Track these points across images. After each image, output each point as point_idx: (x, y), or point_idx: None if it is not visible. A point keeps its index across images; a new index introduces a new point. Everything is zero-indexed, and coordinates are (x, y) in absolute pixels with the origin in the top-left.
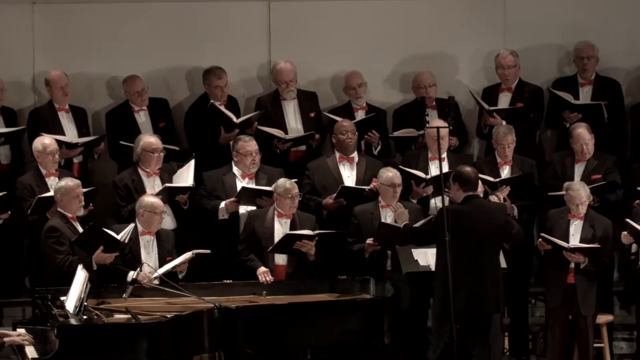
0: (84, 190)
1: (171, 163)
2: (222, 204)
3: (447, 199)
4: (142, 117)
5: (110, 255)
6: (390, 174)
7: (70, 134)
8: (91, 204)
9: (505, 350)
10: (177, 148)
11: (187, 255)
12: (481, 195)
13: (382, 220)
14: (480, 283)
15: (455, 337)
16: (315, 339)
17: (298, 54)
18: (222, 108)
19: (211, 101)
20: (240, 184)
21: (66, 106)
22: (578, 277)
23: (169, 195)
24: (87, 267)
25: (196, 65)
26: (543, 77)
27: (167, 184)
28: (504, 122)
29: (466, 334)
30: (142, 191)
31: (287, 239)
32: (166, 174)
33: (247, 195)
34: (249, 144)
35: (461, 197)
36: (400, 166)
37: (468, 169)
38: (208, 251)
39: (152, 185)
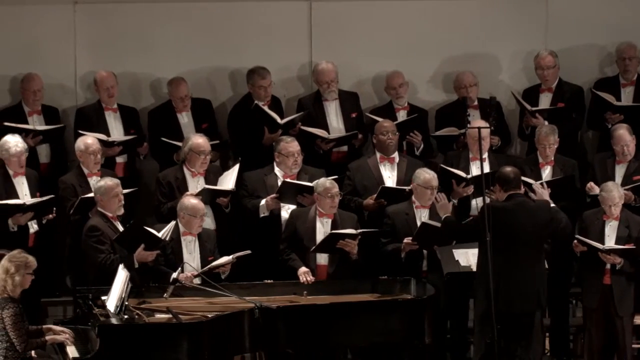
0: (126, 191)
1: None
2: (263, 202)
3: (487, 200)
4: (185, 118)
5: (151, 253)
6: (427, 175)
7: (117, 134)
8: (51, 215)
9: (546, 350)
10: (217, 141)
11: (228, 258)
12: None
13: (417, 220)
14: (523, 282)
15: (497, 337)
16: (356, 339)
17: (339, 54)
18: (266, 109)
19: (255, 102)
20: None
21: (114, 106)
22: (614, 278)
23: (210, 196)
24: (129, 266)
25: (238, 65)
26: (584, 77)
27: (206, 186)
28: (546, 123)
29: (510, 334)
30: (184, 190)
31: (331, 238)
32: (211, 175)
33: (288, 191)
34: (291, 145)
35: (503, 197)
36: (442, 165)
37: (508, 169)
38: (248, 252)
39: (196, 185)
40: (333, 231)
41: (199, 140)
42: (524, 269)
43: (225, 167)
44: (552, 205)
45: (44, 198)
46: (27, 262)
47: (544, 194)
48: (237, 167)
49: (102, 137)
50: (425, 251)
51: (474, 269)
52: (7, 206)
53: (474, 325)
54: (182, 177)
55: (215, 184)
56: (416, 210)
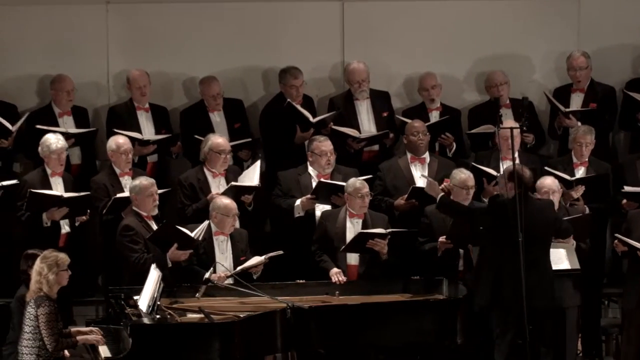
0: (160, 191)
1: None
2: (298, 202)
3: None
4: (217, 117)
5: (184, 252)
6: (463, 175)
7: (148, 133)
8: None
9: (578, 351)
10: (249, 139)
11: (260, 259)
12: (558, 196)
13: None
14: (528, 278)
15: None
16: (388, 339)
17: (371, 55)
18: (299, 107)
19: (288, 100)
20: (315, 184)
21: (146, 105)
22: None
23: (235, 194)
24: (162, 265)
25: (270, 65)
26: (616, 77)
27: (233, 183)
28: (579, 124)
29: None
30: (207, 191)
31: (360, 237)
32: (232, 175)
33: (323, 191)
34: (324, 144)
35: (511, 195)
36: (473, 163)
37: (526, 170)
38: (280, 252)
39: (218, 185)
40: (362, 231)
41: (219, 140)
42: (531, 266)
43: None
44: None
45: (81, 194)
46: (57, 260)
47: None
48: (258, 163)
49: (138, 135)
50: (461, 250)
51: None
52: (44, 196)
53: (494, 326)
54: (204, 179)
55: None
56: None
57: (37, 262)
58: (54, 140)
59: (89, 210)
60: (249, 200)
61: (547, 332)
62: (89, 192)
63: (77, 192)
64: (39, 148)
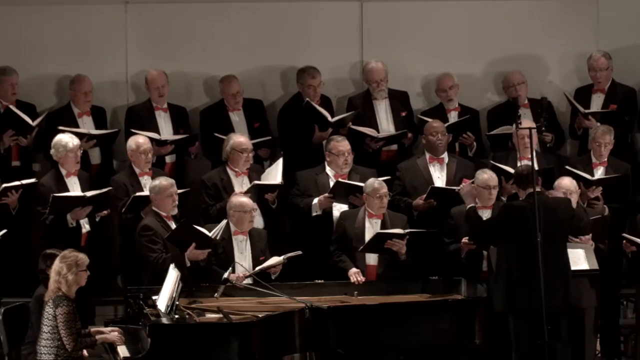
0: (180, 191)
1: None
2: (315, 200)
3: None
4: (237, 117)
5: (202, 251)
6: (486, 175)
7: (166, 133)
8: (105, 211)
9: (597, 351)
10: (269, 137)
11: (279, 259)
12: (576, 197)
13: None
14: (546, 279)
15: (547, 338)
16: (407, 340)
17: (390, 54)
18: (317, 106)
19: (307, 99)
20: (334, 183)
21: (164, 105)
22: None
23: (258, 193)
24: (181, 265)
25: (290, 64)
26: (637, 77)
27: (256, 182)
28: (598, 125)
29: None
30: (230, 190)
31: (378, 238)
32: (254, 174)
33: (341, 191)
34: (342, 144)
35: (523, 196)
36: (491, 161)
37: (521, 167)
38: (299, 252)
39: (241, 184)
40: (380, 231)
41: (240, 139)
42: (546, 267)
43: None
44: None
45: (103, 190)
46: (77, 260)
47: (467, 195)
48: (280, 161)
49: (155, 136)
50: (485, 252)
51: None
52: (68, 199)
53: (512, 327)
54: (227, 178)
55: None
56: (478, 211)
57: (57, 261)
58: (68, 139)
59: (108, 209)
60: (272, 198)
61: (563, 330)
62: (110, 187)
63: (98, 190)
64: (52, 150)
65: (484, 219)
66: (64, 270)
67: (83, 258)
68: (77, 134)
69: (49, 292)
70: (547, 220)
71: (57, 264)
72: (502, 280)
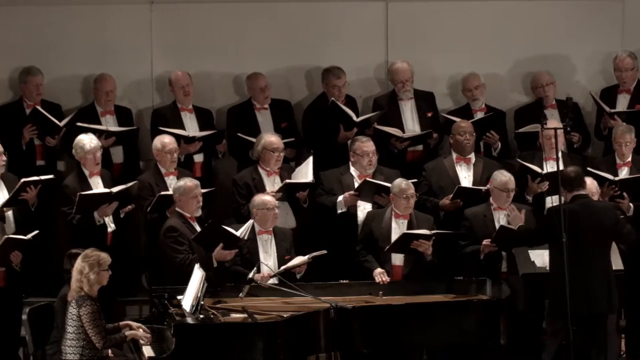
0: (204, 190)
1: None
2: (340, 197)
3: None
4: (263, 116)
5: (230, 252)
6: (504, 178)
7: (191, 133)
8: (130, 206)
9: (622, 352)
10: (292, 139)
11: (304, 258)
12: (596, 197)
13: (495, 222)
14: (590, 283)
15: (571, 338)
16: (432, 340)
17: (415, 55)
18: (343, 106)
19: (332, 99)
20: (357, 184)
21: (189, 106)
22: None
23: (289, 192)
24: (207, 265)
25: (315, 64)
26: None
27: (287, 180)
28: (623, 124)
29: (582, 336)
30: (262, 189)
31: (404, 238)
32: (286, 173)
33: (367, 189)
34: (366, 145)
35: (569, 198)
36: (518, 159)
37: (569, 169)
38: (324, 252)
39: (272, 183)
40: (406, 231)
41: (272, 138)
42: (591, 270)
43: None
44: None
45: (128, 185)
46: (99, 259)
47: (517, 217)
48: (310, 159)
49: (183, 132)
50: (504, 253)
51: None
52: (94, 196)
53: (546, 326)
54: (259, 177)
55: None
56: (494, 212)
57: (79, 260)
58: (87, 140)
59: (133, 204)
60: (303, 197)
61: (601, 336)
62: (135, 181)
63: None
64: (73, 150)
65: (502, 222)
66: (86, 270)
67: (105, 257)
68: (95, 131)
69: (72, 291)
70: (592, 224)
71: (79, 263)
72: (552, 284)
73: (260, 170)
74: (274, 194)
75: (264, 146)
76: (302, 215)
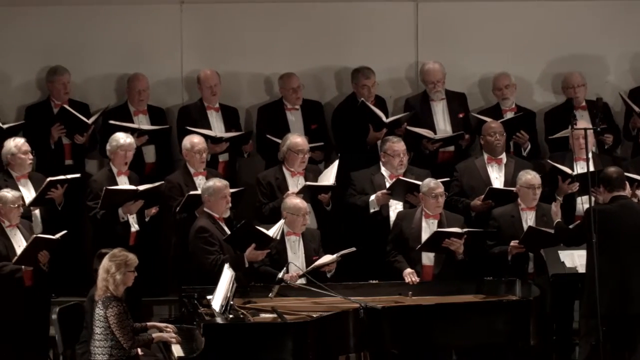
0: (233, 190)
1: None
2: (373, 197)
3: (593, 199)
4: (294, 117)
5: (262, 252)
6: (528, 176)
7: (218, 133)
8: (154, 209)
9: None
10: (321, 143)
11: (333, 257)
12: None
13: (523, 222)
14: (628, 284)
15: (602, 339)
16: (461, 340)
17: (446, 55)
18: (372, 107)
19: (362, 99)
20: (389, 184)
21: (216, 105)
22: None
23: (311, 194)
24: (239, 266)
25: (345, 65)
26: None
27: (308, 183)
28: None
29: (617, 337)
30: (285, 190)
31: (436, 236)
32: (311, 174)
33: (400, 188)
34: (397, 145)
35: (608, 198)
36: (549, 160)
37: (611, 169)
38: (353, 249)
39: (296, 184)
40: (438, 229)
41: (297, 140)
42: (630, 271)
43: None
44: None
45: (155, 184)
46: (127, 260)
47: (556, 213)
48: (336, 163)
49: (211, 133)
50: (531, 254)
51: (580, 270)
52: (120, 192)
53: (580, 327)
54: (282, 177)
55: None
56: (522, 213)
57: (105, 260)
58: (122, 136)
59: (159, 206)
60: (325, 199)
61: (635, 337)
62: (162, 182)
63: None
64: (107, 145)
65: (530, 222)
66: (113, 269)
67: (133, 258)
68: (127, 129)
69: (98, 291)
70: (631, 225)
71: (106, 263)
72: (588, 285)
73: (285, 171)
74: (294, 194)
75: (289, 147)
76: (325, 218)
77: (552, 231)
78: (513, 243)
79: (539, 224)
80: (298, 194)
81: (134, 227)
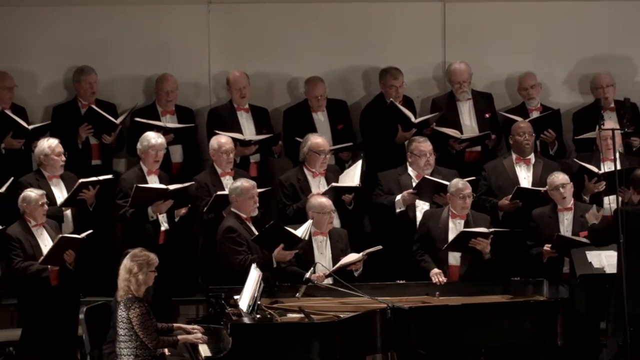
0: (260, 190)
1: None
2: (399, 196)
3: (620, 199)
4: (321, 117)
5: (290, 252)
6: (553, 177)
7: (248, 133)
8: (184, 210)
9: None
10: (350, 144)
11: (358, 256)
12: None
13: (560, 223)
14: None
15: (630, 339)
16: (488, 340)
17: (473, 55)
18: (401, 107)
19: (390, 99)
20: (415, 184)
21: (245, 106)
22: None
23: (335, 194)
24: (268, 266)
25: (372, 65)
26: None
27: (334, 184)
28: None
29: None
30: (307, 191)
31: (462, 236)
32: (332, 174)
33: (426, 188)
34: (424, 145)
35: (637, 199)
36: (575, 159)
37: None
38: (379, 247)
39: (318, 185)
40: (464, 229)
41: (318, 140)
42: None
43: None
44: None
45: (185, 184)
46: (149, 260)
47: (592, 215)
48: (359, 163)
49: (239, 136)
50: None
51: (607, 270)
52: (150, 190)
53: (607, 327)
54: (304, 178)
55: (337, 183)
56: (559, 213)
57: (127, 260)
58: (153, 136)
59: (189, 205)
60: (349, 199)
61: None
62: (193, 182)
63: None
64: (138, 144)
65: (567, 223)
66: (135, 269)
67: (154, 258)
68: (153, 127)
69: (119, 291)
70: None
71: (127, 262)
72: (617, 286)
73: (306, 172)
74: (321, 195)
75: (310, 148)
76: (348, 218)
77: (582, 239)
78: (546, 247)
79: (576, 224)
80: (323, 194)
81: (164, 226)
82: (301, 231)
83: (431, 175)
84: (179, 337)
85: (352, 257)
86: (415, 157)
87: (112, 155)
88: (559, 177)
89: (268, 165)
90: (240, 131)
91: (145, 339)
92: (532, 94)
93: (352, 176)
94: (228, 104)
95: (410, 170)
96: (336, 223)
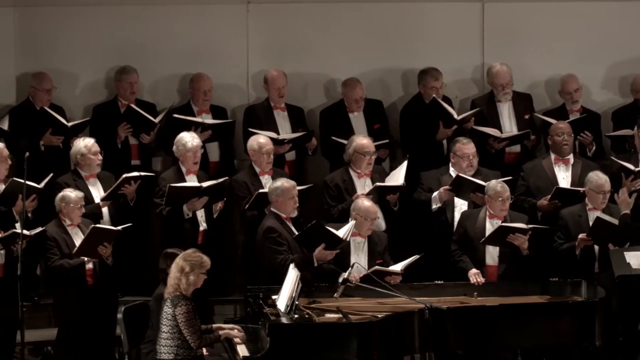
0: (300, 187)
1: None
2: (435, 193)
3: None
4: (357, 118)
5: (331, 252)
6: (600, 180)
7: (284, 132)
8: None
9: None
10: (386, 140)
11: (397, 269)
12: None
13: (590, 222)
14: None
15: None
16: (526, 341)
17: (511, 56)
18: (444, 104)
19: (434, 95)
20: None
21: (282, 104)
22: None
23: (380, 194)
24: (309, 265)
25: (410, 66)
26: None
27: (378, 183)
28: None
29: None
30: (352, 191)
31: (501, 231)
32: (377, 175)
33: (461, 185)
34: (467, 147)
35: None
36: (612, 157)
37: None
38: (417, 257)
39: (363, 185)
40: (503, 224)
41: (363, 141)
42: None
43: (394, 167)
44: None
45: (219, 180)
46: (202, 262)
47: (625, 201)
48: (405, 163)
49: (272, 135)
50: (597, 253)
51: None
52: (184, 189)
53: None
54: (350, 179)
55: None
56: (589, 213)
57: (179, 259)
58: (189, 138)
59: (225, 198)
60: (394, 200)
61: None
62: (227, 177)
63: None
64: (174, 147)
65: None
66: (187, 269)
67: (207, 260)
68: (192, 123)
69: (168, 288)
70: None
71: (180, 262)
72: None
73: (351, 172)
74: (365, 196)
75: (355, 149)
76: (393, 218)
77: (611, 219)
78: (581, 236)
79: None
80: (367, 194)
81: (202, 226)
82: (343, 232)
83: (473, 176)
84: (221, 332)
85: (392, 268)
86: (458, 158)
87: (151, 155)
88: (607, 183)
89: (303, 164)
90: (276, 129)
91: (189, 337)
92: (576, 97)
93: (397, 176)
94: (265, 102)
95: (452, 171)
96: (381, 225)
